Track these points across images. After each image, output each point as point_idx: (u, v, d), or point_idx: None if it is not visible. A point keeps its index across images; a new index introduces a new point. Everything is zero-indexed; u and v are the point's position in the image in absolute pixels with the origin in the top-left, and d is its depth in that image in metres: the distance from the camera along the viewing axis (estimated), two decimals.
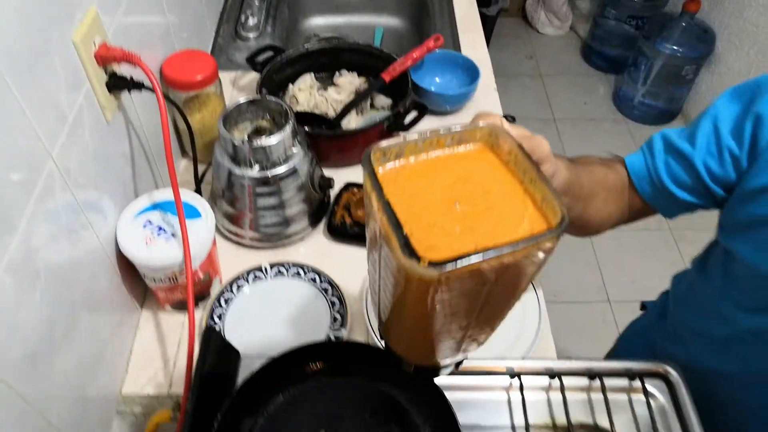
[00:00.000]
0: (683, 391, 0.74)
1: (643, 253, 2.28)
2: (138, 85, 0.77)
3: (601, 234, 0.79)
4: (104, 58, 0.70)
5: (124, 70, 0.76)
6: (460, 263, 0.37)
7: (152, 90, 0.75)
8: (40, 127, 0.59)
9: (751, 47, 2.31)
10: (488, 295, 0.43)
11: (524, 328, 0.85)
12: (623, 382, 0.76)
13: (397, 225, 0.39)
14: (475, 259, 0.37)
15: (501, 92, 1.23)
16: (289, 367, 0.69)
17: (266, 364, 0.67)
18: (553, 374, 0.75)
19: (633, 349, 1.02)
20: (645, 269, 2.23)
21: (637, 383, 0.75)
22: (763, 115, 0.65)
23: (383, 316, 0.51)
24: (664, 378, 0.76)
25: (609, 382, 0.75)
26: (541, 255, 0.41)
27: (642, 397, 0.74)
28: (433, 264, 0.37)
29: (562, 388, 0.73)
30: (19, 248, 0.56)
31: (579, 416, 0.73)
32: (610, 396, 0.74)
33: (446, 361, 0.53)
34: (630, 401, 0.75)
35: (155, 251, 0.77)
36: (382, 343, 0.56)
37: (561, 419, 0.72)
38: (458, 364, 0.55)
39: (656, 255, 2.29)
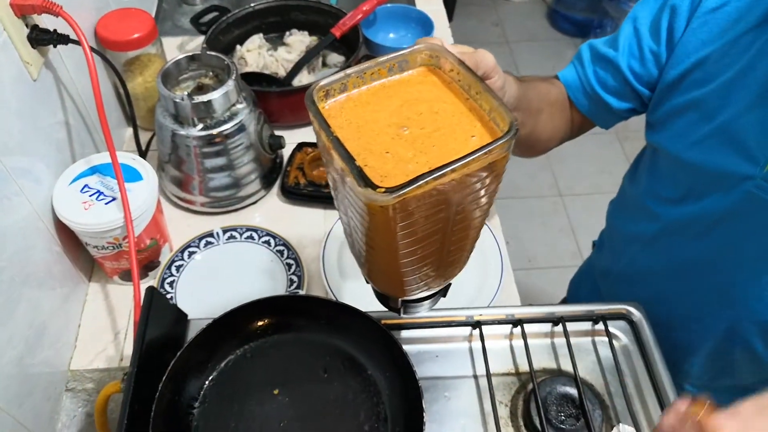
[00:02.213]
0: (646, 330, 0.73)
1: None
2: (64, 39, 0.72)
3: (548, 152, 0.81)
4: (21, 7, 0.65)
5: (47, 22, 0.71)
6: (414, 185, 0.37)
7: (79, 43, 0.71)
8: None
9: None
10: (454, 215, 0.43)
11: (487, 279, 0.83)
12: (586, 325, 0.74)
13: (349, 158, 0.39)
14: (428, 178, 0.37)
15: None
16: (238, 325, 0.66)
17: (213, 322, 0.64)
18: (514, 321, 0.73)
19: (579, 286, 1.08)
20: None
21: (600, 326, 0.73)
22: (677, 6, 0.67)
23: (362, 259, 0.51)
24: (627, 319, 0.74)
25: (572, 326, 0.73)
26: (494, 166, 0.41)
27: (605, 338, 0.72)
28: (389, 189, 0.37)
29: (524, 335, 0.71)
30: None
31: (542, 362, 0.71)
32: (573, 340, 0.72)
33: (431, 291, 0.54)
34: (594, 343, 0.73)
35: (94, 216, 0.73)
36: (370, 286, 0.56)
37: (524, 366, 0.70)
38: (445, 290, 0.57)
39: None
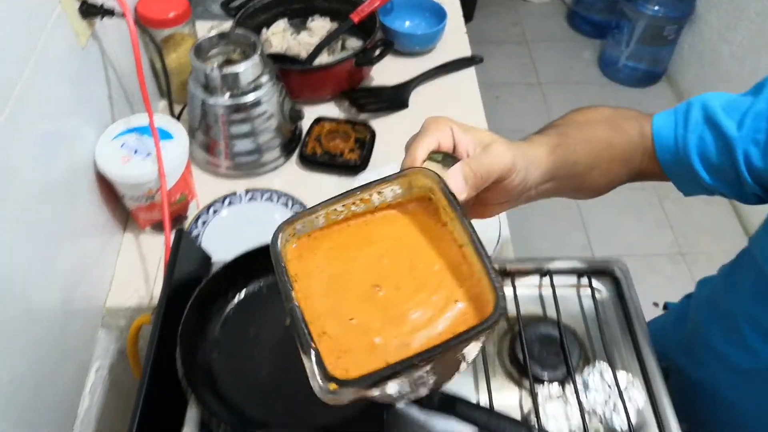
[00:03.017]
0: (627, 285, 0.79)
1: (626, 211, 2.32)
2: (110, 12, 0.81)
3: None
4: None
5: None
6: (371, 379, 0.34)
7: (123, 16, 0.80)
8: (11, 49, 0.64)
9: (729, 3, 2.35)
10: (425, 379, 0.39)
11: (486, 232, 0.91)
12: (572, 279, 0.81)
13: (307, 341, 0.35)
14: (384, 374, 0.34)
15: (486, 59, 1.26)
16: (255, 264, 0.74)
17: (233, 260, 0.73)
18: (506, 272, 0.80)
19: None
20: (629, 227, 2.27)
21: (585, 280, 0.80)
22: None
23: None
24: (611, 275, 0.81)
25: (558, 279, 0.80)
26: (472, 345, 0.37)
27: (589, 291, 0.79)
28: (341, 383, 0.34)
29: (514, 285, 0.78)
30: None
31: (530, 310, 0.78)
32: (559, 291, 0.78)
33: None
34: (578, 295, 0.80)
35: (131, 169, 0.82)
36: None
37: (512, 312, 0.77)
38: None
39: (641, 214, 2.33)
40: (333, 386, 0.33)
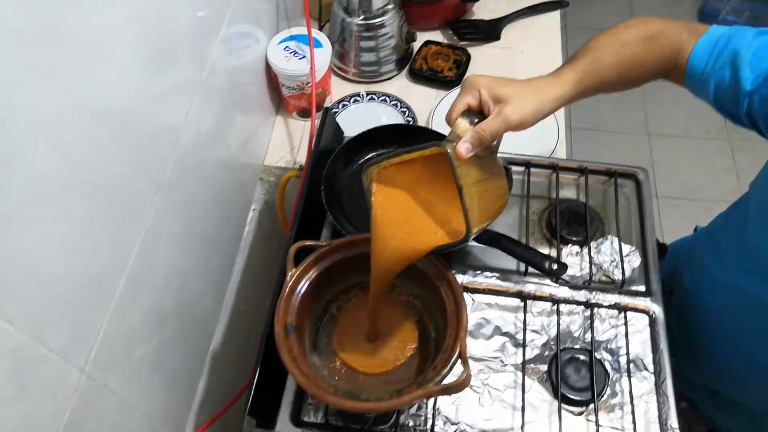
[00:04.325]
0: (647, 187, 1.06)
1: (696, 158, 2.47)
2: None
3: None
4: None
5: None
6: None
7: None
8: None
9: None
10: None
11: (545, 135, 1.18)
12: (603, 177, 1.08)
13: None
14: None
15: (584, 4, 1.45)
16: (377, 137, 1.06)
17: (362, 133, 1.05)
18: (554, 167, 1.08)
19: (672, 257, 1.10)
20: (696, 172, 2.42)
21: (612, 179, 1.07)
22: None
23: None
24: (635, 178, 1.07)
25: (592, 178, 1.07)
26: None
27: (613, 188, 1.06)
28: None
29: (557, 177, 1.06)
30: (210, 68, 0.92)
31: (567, 194, 1.06)
32: (591, 185, 1.06)
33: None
34: (605, 190, 1.07)
35: (291, 65, 1.15)
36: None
37: (554, 194, 1.06)
38: None
39: (710, 161, 2.47)
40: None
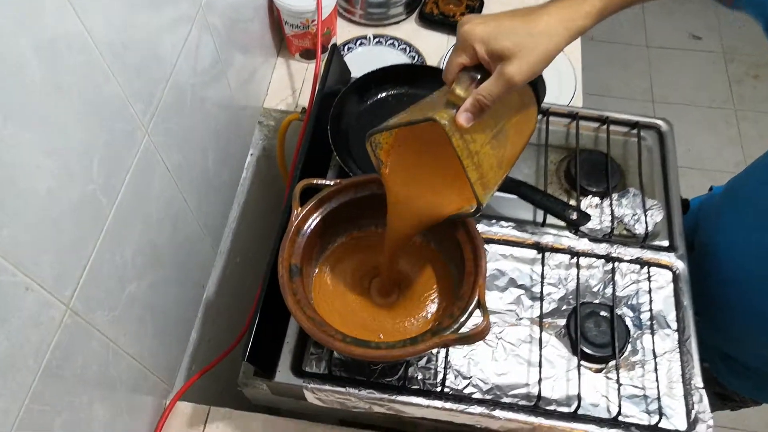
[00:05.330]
0: (670, 139, 1.00)
1: (702, 126, 2.42)
2: None
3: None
4: None
5: None
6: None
7: None
8: None
9: None
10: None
11: (561, 89, 1.12)
12: (624, 129, 1.02)
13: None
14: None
15: None
16: (382, 78, 0.99)
17: (368, 72, 0.98)
18: (573, 115, 1.01)
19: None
20: (702, 141, 2.38)
21: (635, 131, 1.01)
22: None
23: None
24: (657, 130, 1.01)
25: (613, 128, 1.01)
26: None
27: (636, 140, 1.00)
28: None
29: (577, 125, 1.00)
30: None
31: (586, 145, 1.00)
32: (612, 137, 1.00)
33: None
34: (626, 141, 1.01)
35: (296, 0, 1.07)
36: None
37: (573, 144, 1.00)
38: None
39: (717, 130, 2.42)
40: None
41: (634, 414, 0.77)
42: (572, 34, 0.61)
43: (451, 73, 0.63)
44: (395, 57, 1.19)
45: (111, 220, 0.64)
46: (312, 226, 0.77)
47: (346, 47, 1.20)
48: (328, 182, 0.78)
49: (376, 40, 1.21)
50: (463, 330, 0.67)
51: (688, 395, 0.77)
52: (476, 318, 0.67)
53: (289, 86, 1.18)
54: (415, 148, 0.71)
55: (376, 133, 0.68)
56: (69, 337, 0.58)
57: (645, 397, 0.78)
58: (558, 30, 0.60)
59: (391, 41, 1.21)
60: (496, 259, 0.88)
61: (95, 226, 0.61)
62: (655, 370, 0.79)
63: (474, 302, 0.68)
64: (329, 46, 1.18)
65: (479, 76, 0.62)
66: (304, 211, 0.76)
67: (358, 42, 1.21)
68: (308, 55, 1.18)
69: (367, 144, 0.69)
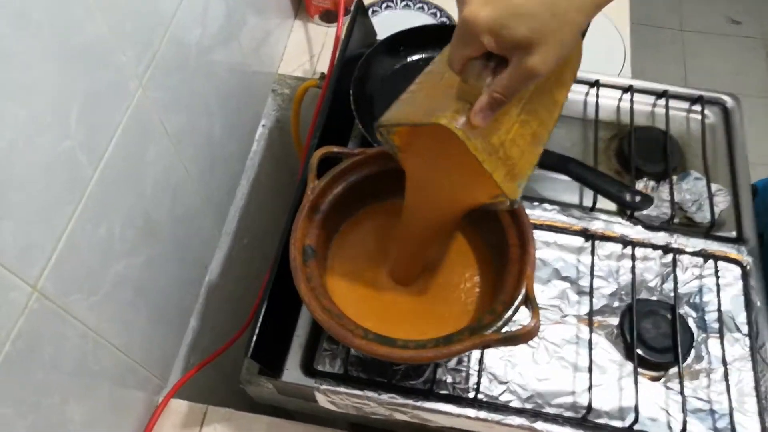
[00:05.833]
0: (737, 116, 0.88)
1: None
2: None
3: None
4: None
5: None
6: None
7: None
8: None
9: None
10: None
11: (608, 58, 1.00)
12: (685, 104, 0.90)
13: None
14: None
15: None
16: (409, 39, 0.88)
17: (396, 33, 0.87)
18: (626, 88, 0.90)
19: None
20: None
21: (697, 107, 0.89)
22: None
23: None
24: (722, 106, 0.89)
25: (672, 102, 0.89)
26: None
27: (698, 117, 0.88)
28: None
29: (632, 100, 0.88)
30: None
31: (641, 122, 0.88)
32: (672, 112, 0.88)
33: None
34: (687, 117, 0.89)
35: None
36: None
37: (625, 121, 0.88)
38: None
39: (756, 120, 2.29)
40: None
41: None
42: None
43: (458, 64, 0.49)
44: (424, 21, 1.07)
45: (94, 185, 0.53)
46: (330, 202, 0.66)
47: (371, 10, 1.08)
48: (351, 151, 0.67)
49: (404, 3, 1.10)
50: (507, 329, 0.57)
51: (763, 412, 0.66)
52: (520, 315, 0.57)
53: (307, 51, 1.07)
54: (433, 134, 0.57)
55: (383, 127, 0.56)
56: (35, 325, 0.48)
57: (712, 411, 0.67)
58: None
59: (420, 4, 1.09)
60: (537, 247, 0.76)
61: (73, 190, 0.51)
62: (725, 379, 0.67)
63: (520, 296, 0.58)
64: (352, 8, 1.07)
65: (493, 64, 0.47)
66: (322, 184, 0.65)
67: (384, 5, 1.09)
68: (328, 17, 1.07)
69: (377, 134, 0.57)
